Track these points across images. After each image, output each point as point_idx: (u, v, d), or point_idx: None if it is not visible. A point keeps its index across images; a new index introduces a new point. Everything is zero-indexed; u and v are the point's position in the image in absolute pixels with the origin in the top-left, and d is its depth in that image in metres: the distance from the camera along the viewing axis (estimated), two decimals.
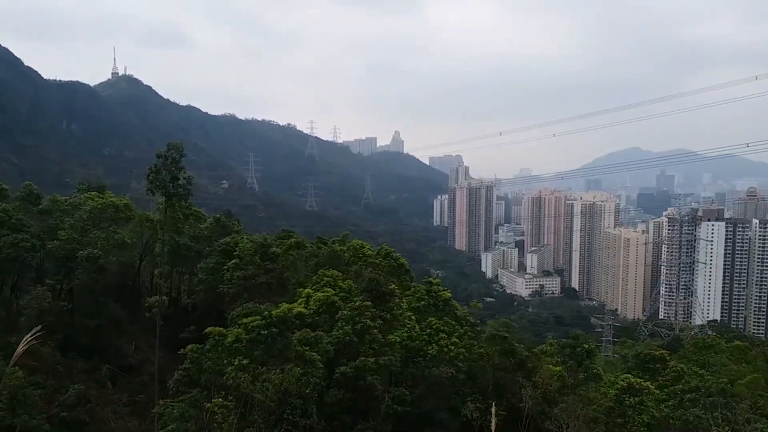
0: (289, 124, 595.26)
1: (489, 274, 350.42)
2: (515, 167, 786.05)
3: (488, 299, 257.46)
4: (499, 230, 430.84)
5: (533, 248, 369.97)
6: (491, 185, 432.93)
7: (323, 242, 56.87)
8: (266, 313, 28.58)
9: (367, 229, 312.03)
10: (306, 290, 38.13)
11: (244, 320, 28.48)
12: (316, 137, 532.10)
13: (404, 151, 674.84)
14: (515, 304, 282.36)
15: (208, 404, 23.38)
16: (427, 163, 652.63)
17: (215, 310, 42.81)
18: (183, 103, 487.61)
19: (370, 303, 34.74)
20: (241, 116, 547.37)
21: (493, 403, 7.11)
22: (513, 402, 31.78)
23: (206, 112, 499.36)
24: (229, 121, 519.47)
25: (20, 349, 9.63)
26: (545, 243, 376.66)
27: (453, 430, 30.51)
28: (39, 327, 10.91)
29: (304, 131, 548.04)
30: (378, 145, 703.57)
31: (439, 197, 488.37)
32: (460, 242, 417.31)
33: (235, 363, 25.77)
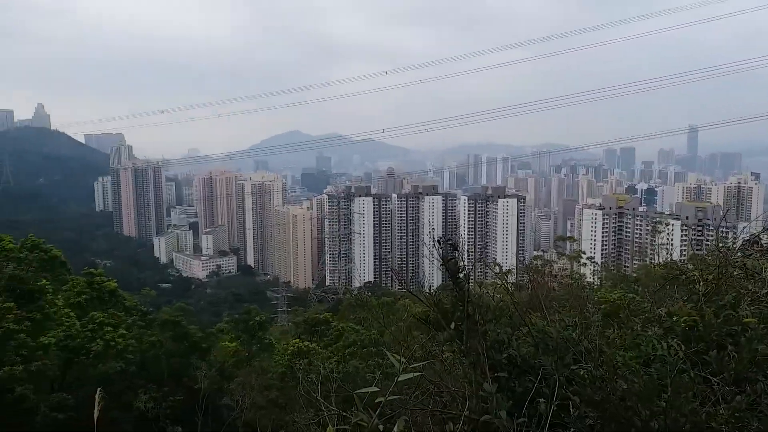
0: None
1: (163, 259, 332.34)
2: (183, 147, 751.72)
3: (164, 285, 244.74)
4: (171, 213, 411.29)
5: (208, 229, 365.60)
6: (159, 165, 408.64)
7: None
8: None
9: (10, 218, 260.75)
10: None
11: None
12: None
13: (52, 127, 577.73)
14: (193, 287, 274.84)
15: None
16: (83, 141, 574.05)
17: None
18: None
19: (13, 304, 29.63)
20: None
21: (98, 389, 6.69)
22: (190, 385, 31.46)
23: None
24: None
25: None
26: (220, 223, 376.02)
27: (128, 426, 28.70)
28: None
29: None
30: (17, 120, 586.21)
31: (100, 179, 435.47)
32: (129, 227, 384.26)
33: None
